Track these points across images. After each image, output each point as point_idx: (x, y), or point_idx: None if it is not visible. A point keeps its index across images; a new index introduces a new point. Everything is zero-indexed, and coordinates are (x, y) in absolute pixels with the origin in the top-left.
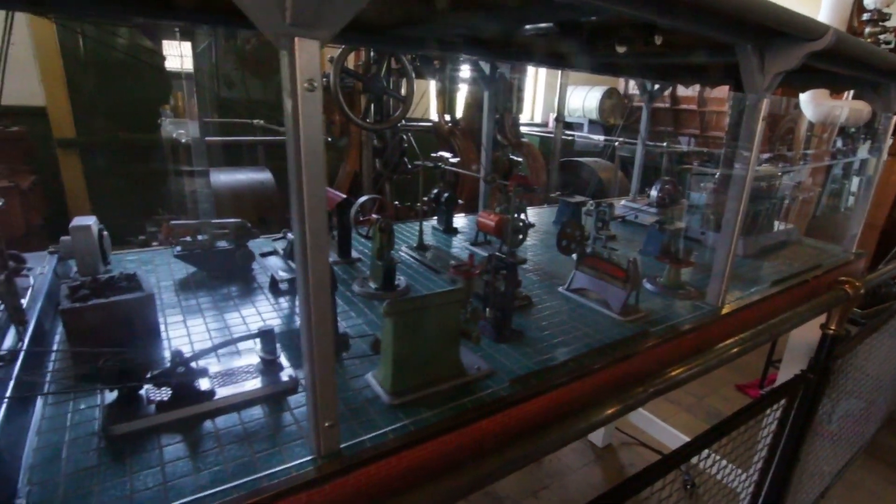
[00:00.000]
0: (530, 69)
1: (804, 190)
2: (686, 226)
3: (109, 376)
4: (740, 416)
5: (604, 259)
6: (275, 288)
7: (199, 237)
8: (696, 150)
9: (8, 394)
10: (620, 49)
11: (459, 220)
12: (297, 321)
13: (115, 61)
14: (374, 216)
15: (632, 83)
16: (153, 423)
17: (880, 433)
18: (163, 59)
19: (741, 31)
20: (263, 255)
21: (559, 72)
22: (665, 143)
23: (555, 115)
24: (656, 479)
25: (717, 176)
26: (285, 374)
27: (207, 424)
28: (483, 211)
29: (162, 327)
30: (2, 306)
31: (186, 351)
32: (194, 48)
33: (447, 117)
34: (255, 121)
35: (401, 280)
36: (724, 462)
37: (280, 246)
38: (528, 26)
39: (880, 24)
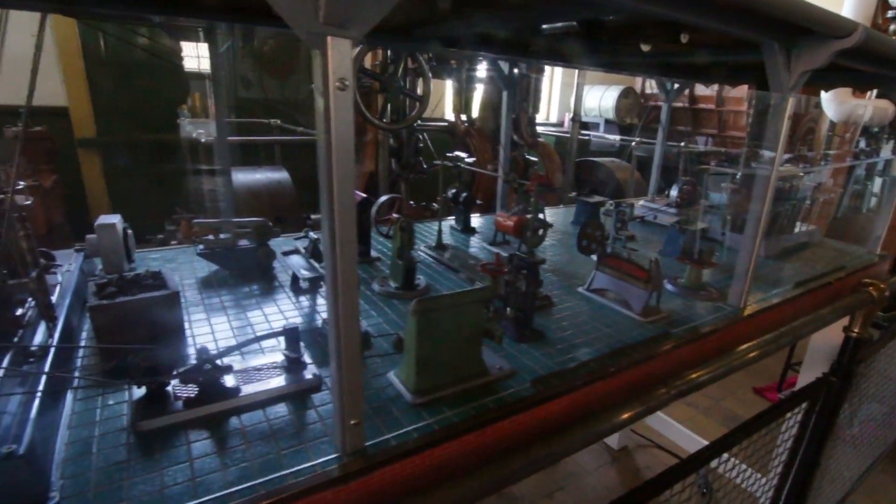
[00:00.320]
0: (547, 68)
1: (825, 191)
2: (707, 226)
3: (138, 372)
4: (761, 418)
5: (624, 259)
6: (296, 286)
7: (222, 236)
8: (713, 150)
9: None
10: (645, 47)
11: (476, 220)
12: (319, 319)
13: (135, 61)
14: (394, 215)
15: (648, 83)
16: (181, 420)
17: None
18: (181, 59)
19: (768, 29)
20: (285, 253)
21: (576, 71)
22: (682, 143)
23: (571, 114)
24: (675, 482)
25: (738, 176)
26: (309, 372)
27: (233, 421)
28: (500, 211)
29: (186, 325)
30: (33, 303)
31: (211, 348)
32: (216, 49)
33: (463, 117)
34: (272, 120)
35: (420, 279)
36: (743, 466)
37: (301, 245)
38: (549, 25)
39: None
